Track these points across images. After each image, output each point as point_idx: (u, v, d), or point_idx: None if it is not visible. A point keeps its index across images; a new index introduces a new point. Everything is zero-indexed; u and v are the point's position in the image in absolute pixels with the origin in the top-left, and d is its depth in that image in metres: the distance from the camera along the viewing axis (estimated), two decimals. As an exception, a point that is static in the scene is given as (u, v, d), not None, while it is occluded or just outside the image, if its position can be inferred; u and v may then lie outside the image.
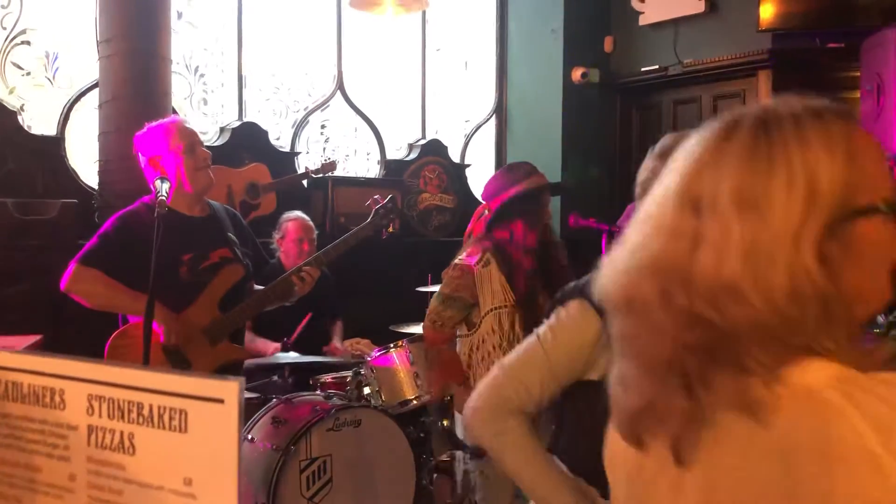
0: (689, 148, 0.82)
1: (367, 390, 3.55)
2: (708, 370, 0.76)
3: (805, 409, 0.72)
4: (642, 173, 1.62)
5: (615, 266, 0.85)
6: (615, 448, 0.96)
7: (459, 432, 2.94)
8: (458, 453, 2.88)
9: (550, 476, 1.50)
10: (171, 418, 0.61)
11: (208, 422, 0.56)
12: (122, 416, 0.63)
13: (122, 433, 0.64)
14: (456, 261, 2.90)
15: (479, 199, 5.78)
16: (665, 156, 1.68)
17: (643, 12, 5.62)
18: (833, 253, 0.74)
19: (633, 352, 0.83)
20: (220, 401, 0.55)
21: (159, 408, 0.62)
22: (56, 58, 4.43)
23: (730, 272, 0.74)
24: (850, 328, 0.77)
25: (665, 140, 1.62)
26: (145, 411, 0.63)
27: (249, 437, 3.32)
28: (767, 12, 4.87)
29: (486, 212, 2.87)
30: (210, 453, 0.56)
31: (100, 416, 0.64)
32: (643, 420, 0.84)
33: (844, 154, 0.76)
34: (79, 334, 3.22)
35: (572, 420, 1.63)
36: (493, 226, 2.81)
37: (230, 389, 0.54)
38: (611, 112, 5.94)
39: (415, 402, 3.50)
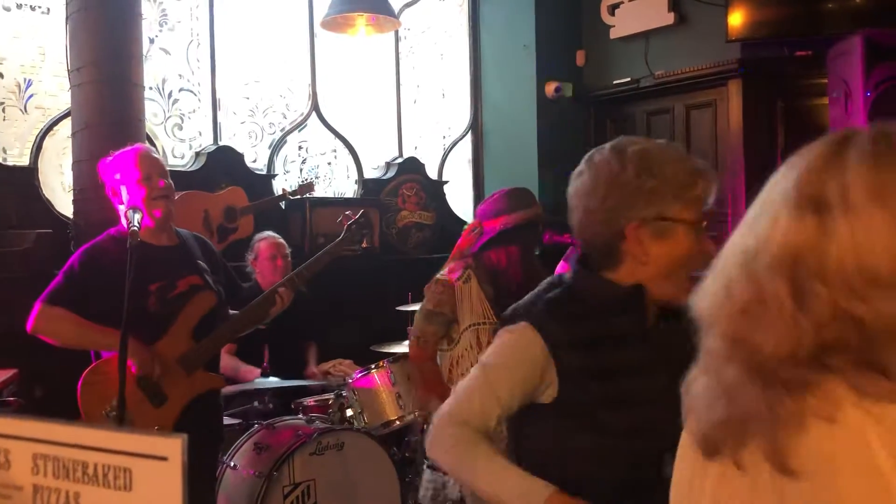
0: (794, 161, 0.85)
1: (349, 412, 3.54)
2: (832, 369, 0.76)
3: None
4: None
5: (714, 279, 0.86)
6: (683, 466, 0.96)
7: None
8: (429, 472, 2.87)
9: (506, 468, 1.46)
10: (115, 477, 0.59)
11: (152, 480, 0.55)
12: (68, 476, 0.61)
13: (67, 493, 0.63)
14: (438, 276, 2.90)
15: (458, 215, 5.85)
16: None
17: (613, 25, 5.68)
18: None
19: (740, 357, 0.82)
20: (164, 458, 0.54)
21: (104, 466, 0.61)
22: (28, 86, 4.41)
23: (876, 264, 0.74)
24: None
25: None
26: (90, 470, 0.62)
27: (232, 464, 3.29)
28: (736, 22, 4.94)
29: (478, 229, 2.86)
30: (156, 512, 0.55)
31: (45, 475, 0.63)
32: (729, 430, 0.83)
33: None
34: (55, 367, 3.18)
35: (525, 444, 1.60)
36: (490, 246, 2.80)
37: (173, 447, 0.54)
38: (585, 125, 5.99)
39: (398, 422, 3.49)
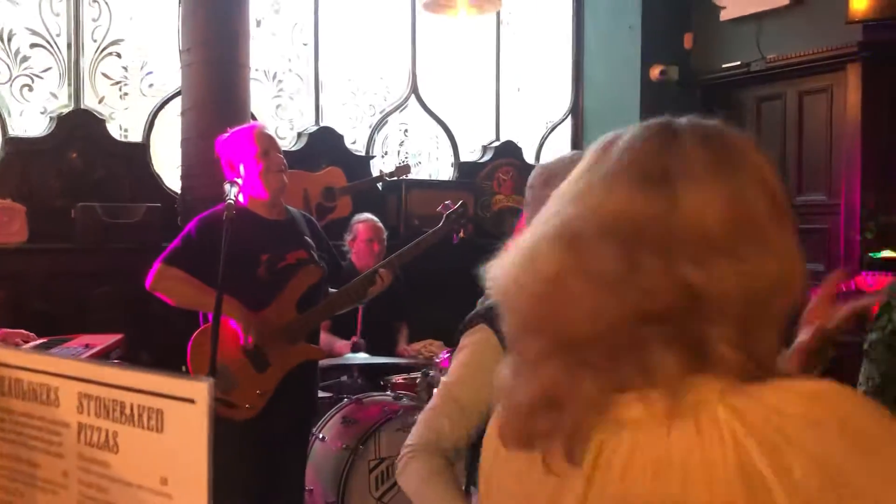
0: (617, 145, 0.85)
1: (435, 391, 3.56)
2: (655, 343, 0.73)
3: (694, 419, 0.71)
4: None
5: (517, 250, 0.82)
6: (494, 460, 0.89)
7: None
8: None
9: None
10: (149, 418, 0.62)
11: (181, 422, 0.57)
12: (108, 415, 0.65)
13: (107, 432, 0.66)
14: None
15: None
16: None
17: (724, 7, 5.44)
18: None
19: (550, 329, 0.77)
20: (192, 401, 0.56)
21: (139, 407, 0.64)
22: (143, 67, 4.63)
23: (714, 230, 0.75)
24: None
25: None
26: (127, 410, 0.65)
27: (321, 436, 3.37)
28: (858, 3, 4.64)
29: None
30: (184, 453, 0.57)
31: (88, 414, 0.66)
32: (538, 412, 0.77)
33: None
34: (161, 333, 3.35)
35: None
36: None
37: (200, 389, 0.55)
38: (691, 111, 5.55)
39: (483, 404, 3.48)
